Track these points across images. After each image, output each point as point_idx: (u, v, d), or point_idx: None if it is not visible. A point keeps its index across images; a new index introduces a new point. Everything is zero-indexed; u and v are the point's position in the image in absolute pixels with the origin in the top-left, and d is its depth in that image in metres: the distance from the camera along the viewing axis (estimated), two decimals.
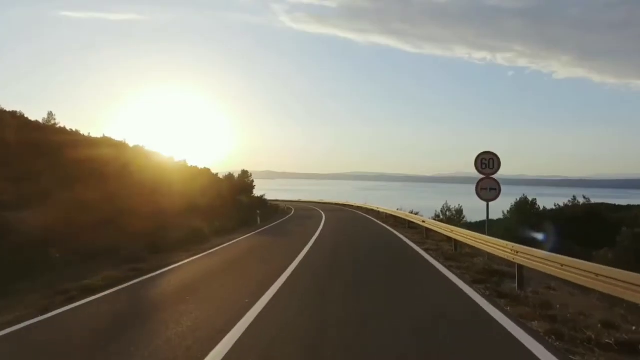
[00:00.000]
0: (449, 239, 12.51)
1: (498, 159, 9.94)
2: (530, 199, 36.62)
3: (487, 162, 9.93)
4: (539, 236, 19.58)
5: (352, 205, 46.35)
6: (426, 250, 11.41)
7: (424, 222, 15.15)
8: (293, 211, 41.15)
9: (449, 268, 8.72)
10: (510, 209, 36.01)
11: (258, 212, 25.56)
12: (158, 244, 14.77)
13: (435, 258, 10.09)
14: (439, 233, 13.66)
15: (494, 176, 10.00)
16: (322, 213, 34.70)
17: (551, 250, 8.77)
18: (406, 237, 15.26)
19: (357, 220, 26.90)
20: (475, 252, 10.80)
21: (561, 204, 38.45)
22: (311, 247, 12.71)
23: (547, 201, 40.62)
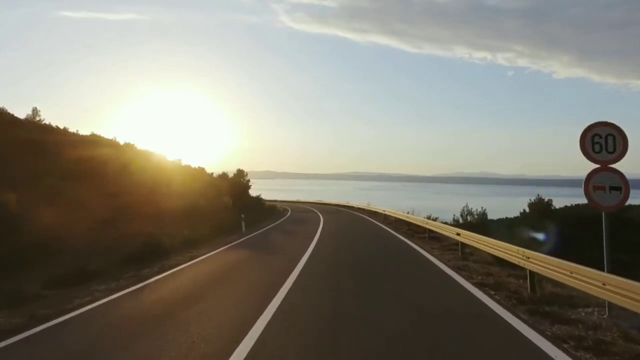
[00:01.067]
0: (501, 260, 8.29)
1: (622, 135, 5.61)
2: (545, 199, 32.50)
3: (604, 140, 5.60)
4: (543, 236, 15.46)
5: (353, 207, 42.11)
6: (480, 286, 7.10)
7: (458, 234, 10.85)
8: (289, 213, 36.97)
9: (555, 343, 4.44)
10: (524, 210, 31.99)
11: (243, 216, 21.29)
12: (93, 263, 10.59)
13: (507, 308, 5.79)
14: (479, 250, 9.43)
15: (616, 166, 5.65)
16: (320, 216, 30.45)
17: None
18: (434, 255, 10.97)
19: (360, 226, 22.63)
20: (565, 290, 6.59)
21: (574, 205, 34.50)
22: (299, 275, 8.49)
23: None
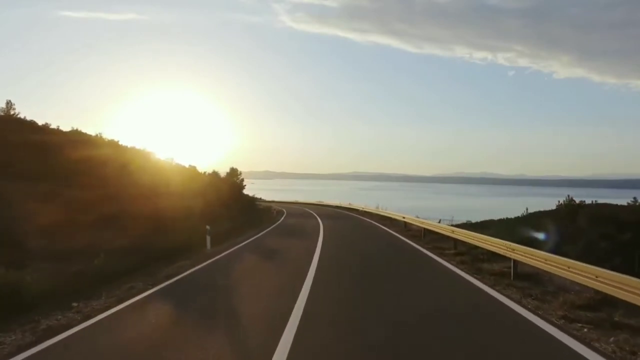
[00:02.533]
0: None
1: None
2: (577, 200, 26.81)
3: None
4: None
5: (358, 210, 35.80)
6: None
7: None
8: (282, 218, 30.59)
9: None
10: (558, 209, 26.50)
11: (208, 228, 14.82)
12: None
13: None
14: None
15: None
16: (320, 223, 24.11)
17: None
18: (574, 335, 4.58)
19: (376, 242, 16.20)
20: None
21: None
22: None
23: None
